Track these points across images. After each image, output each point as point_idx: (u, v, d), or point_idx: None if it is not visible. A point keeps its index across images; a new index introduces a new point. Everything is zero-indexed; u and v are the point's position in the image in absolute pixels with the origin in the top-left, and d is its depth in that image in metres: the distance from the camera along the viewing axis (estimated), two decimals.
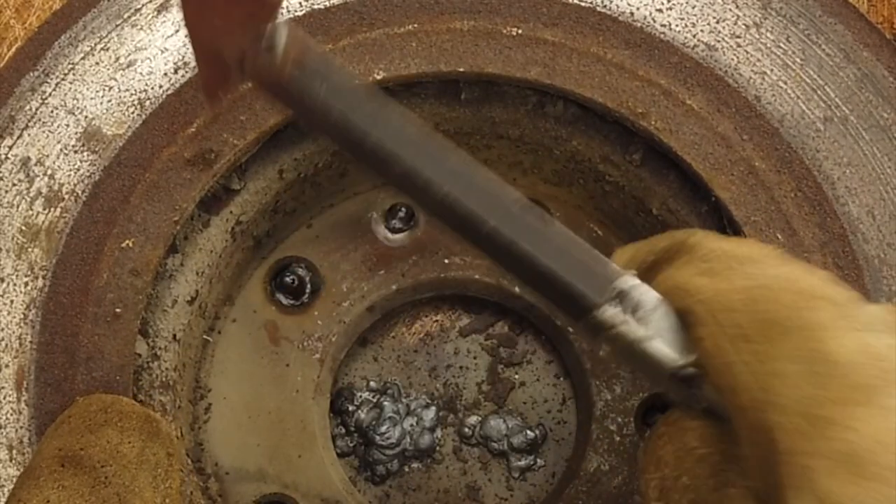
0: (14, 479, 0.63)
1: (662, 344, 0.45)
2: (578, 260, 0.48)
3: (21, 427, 0.64)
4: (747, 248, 0.46)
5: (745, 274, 0.43)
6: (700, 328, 0.43)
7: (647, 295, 0.47)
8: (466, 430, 0.83)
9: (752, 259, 0.44)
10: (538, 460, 0.82)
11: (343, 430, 0.83)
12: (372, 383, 0.84)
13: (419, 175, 0.48)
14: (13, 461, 0.63)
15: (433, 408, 0.83)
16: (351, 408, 0.83)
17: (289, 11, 0.73)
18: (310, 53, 0.47)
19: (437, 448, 0.83)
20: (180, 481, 0.59)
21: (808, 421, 0.37)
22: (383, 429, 0.81)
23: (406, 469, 0.82)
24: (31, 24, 0.87)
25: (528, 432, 0.82)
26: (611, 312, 0.47)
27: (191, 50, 0.53)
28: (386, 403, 0.82)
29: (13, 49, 0.85)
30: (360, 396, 0.83)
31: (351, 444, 0.83)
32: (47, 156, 0.70)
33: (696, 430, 0.45)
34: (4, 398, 0.64)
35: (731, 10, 0.73)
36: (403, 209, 0.83)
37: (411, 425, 0.82)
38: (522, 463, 0.81)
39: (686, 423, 0.45)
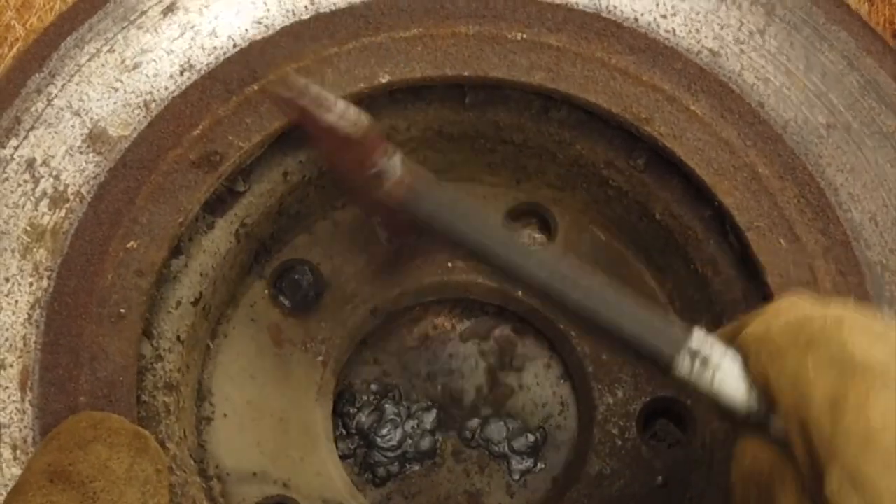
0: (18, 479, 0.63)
1: (730, 391, 0.51)
2: (654, 326, 0.55)
3: (25, 427, 0.64)
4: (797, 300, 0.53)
5: (787, 313, 0.51)
6: (749, 358, 0.51)
7: (713, 349, 0.53)
8: (467, 432, 0.83)
9: (795, 304, 0.52)
10: (539, 464, 0.82)
11: (344, 433, 0.83)
12: (373, 386, 0.84)
13: (508, 264, 0.59)
14: (17, 461, 0.63)
15: (434, 410, 0.83)
16: (352, 410, 0.83)
17: (294, 14, 0.73)
18: (419, 180, 0.61)
19: (438, 451, 0.83)
20: (169, 498, 0.59)
21: (833, 408, 0.44)
22: (384, 431, 0.81)
23: (407, 471, 0.82)
24: (33, 24, 0.87)
25: (529, 435, 0.82)
26: (684, 370, 0.53)
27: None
28: (387, 406, 0.82)
29: (14, 49, 0.85)
30: (362, 399, 0.83)
31: (352, 447, 0.83)
32: (53, 157, 0.70)
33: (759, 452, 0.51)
34: (9, 398, 0.64)
35: (735, 16, 0.73)
36: None
37: (412, 428, 0.82)
38: (523, 466, 0.82)
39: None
